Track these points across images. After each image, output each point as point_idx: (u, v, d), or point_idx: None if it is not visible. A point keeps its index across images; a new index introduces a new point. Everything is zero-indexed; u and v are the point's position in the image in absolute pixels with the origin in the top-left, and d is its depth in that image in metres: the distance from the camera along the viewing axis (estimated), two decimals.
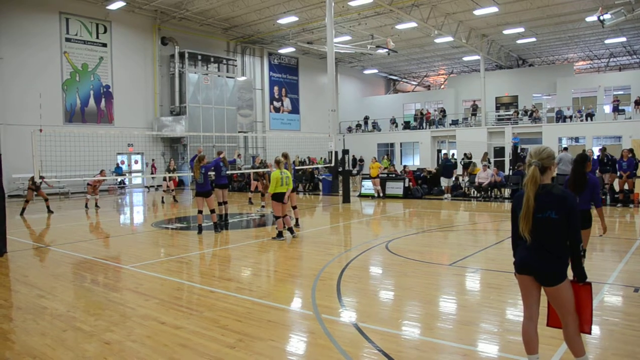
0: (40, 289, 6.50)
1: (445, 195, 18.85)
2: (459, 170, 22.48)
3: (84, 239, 11.11)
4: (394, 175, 20.13)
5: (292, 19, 27.98)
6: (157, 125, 27.96)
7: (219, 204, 12.55)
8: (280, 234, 9.94)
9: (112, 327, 4.97)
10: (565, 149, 19.50)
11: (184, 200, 20.86)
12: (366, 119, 41.17)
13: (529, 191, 3.31)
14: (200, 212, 11.10)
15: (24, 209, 15.29)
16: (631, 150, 15.49)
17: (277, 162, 10.06)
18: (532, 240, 3.34)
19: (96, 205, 17.11)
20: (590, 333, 3.45)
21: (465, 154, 23.48)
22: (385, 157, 21.16)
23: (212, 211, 11.19)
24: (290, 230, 10.24)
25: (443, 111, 38.17)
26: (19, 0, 22.69)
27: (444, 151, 33.33)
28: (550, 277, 3.32)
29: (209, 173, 11.43)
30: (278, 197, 9.83)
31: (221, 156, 12.44)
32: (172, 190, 20.08)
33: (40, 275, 7.35)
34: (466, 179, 20.64)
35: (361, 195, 19.81)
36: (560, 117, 32.22)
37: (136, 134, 25.92)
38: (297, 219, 11.67)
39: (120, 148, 25.61)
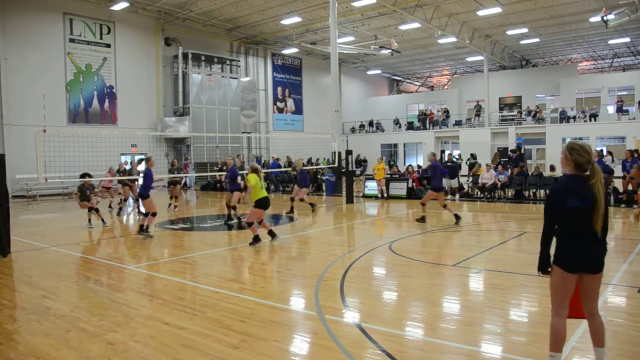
0: (44, 290, 6.52)
1: (449, 196, 18.81)
2: (464, 170, 22.47)
3: (87, 239, 11.13)
4: (397, 176, 20.11)
5: (296, 19, 27.99)
6: (160, 125, 28.00)
7: (233, 207, 13.02)
8: (257, 238, 9.40)
9: (116, 327, 4.98)
10: None
11: (187, 202, 20.88)
12: (371, 123, 41.04)
13: (601, 188, 3.36)
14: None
15: (121, 209, 15.69)
16: (636, 151, 15.44)
17: (255, 170, 9.44)
18: (587, 233, 3.39)
19: (110, 207, 16.55)
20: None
21: (471, 154, 23.46)
22: (383, 158, 21.03)
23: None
24: (271, 233, 9.63)
25: (446, 112, 38.11)
26: (22, 1, 22.78)
27: (447, 152, 33.31)
28: (602, 264, 3.45)
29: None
30: (261, 203, 9.37)
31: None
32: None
33: (44, 276, 7.37)
34: (470, 179, 20.62)
35: (365, 196, 19.80)
36: (564, 118, 32.13)
37: (140, 134, 25.95)
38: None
39: (124, 149, 25.64)
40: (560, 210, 3.41)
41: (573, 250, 3.41)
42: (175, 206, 16.16)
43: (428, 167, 12.84)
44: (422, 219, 12.20)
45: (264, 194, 9.41)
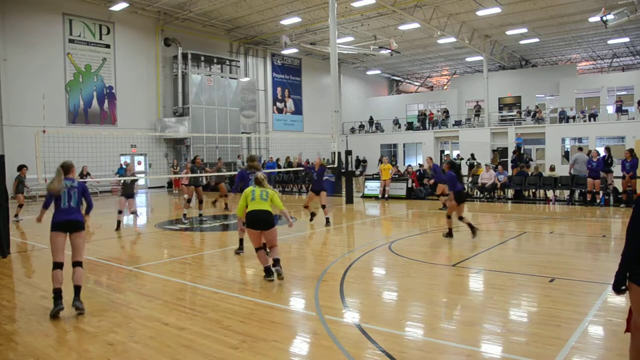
0: (44, 290, 6.51)
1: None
2: (464, 171, 22.48)
3: (87, 239, 11.11)
4: (397, 176, 20.13)
5: (295, 19, 28.01)
6: (160, 126, 28.00)
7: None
8: (268, 271, 6.76)
9: (115, 328, 4.98)
10: (580, 149, 19.13)
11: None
12: (371, 120, 41.10)
13: None
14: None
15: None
16: (632, 150, 15.48)
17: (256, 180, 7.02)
18: None
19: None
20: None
21: (472, 155, 23.47)
22: (386, 158, 21.04)
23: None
24: (268, 270, 6.73)
25: (446, 112, 38.14)
26: (22, 1, 22.78)
27: (446, 152, 33.32)
28: None
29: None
30: (246, 219, 6.84)
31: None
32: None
33: (44, 276, 7.36)
34: (470, 179, 20.64)
35: (364, 196, 19.80)
36: (564, 118, 32.17)
37: (139, 135, 25.95)
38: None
39: (124, 149, 25.63)
40: None
41: None
42: (226, 204, 16.15)
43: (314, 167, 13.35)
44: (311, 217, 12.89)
45: (254, 206, 6.74)
